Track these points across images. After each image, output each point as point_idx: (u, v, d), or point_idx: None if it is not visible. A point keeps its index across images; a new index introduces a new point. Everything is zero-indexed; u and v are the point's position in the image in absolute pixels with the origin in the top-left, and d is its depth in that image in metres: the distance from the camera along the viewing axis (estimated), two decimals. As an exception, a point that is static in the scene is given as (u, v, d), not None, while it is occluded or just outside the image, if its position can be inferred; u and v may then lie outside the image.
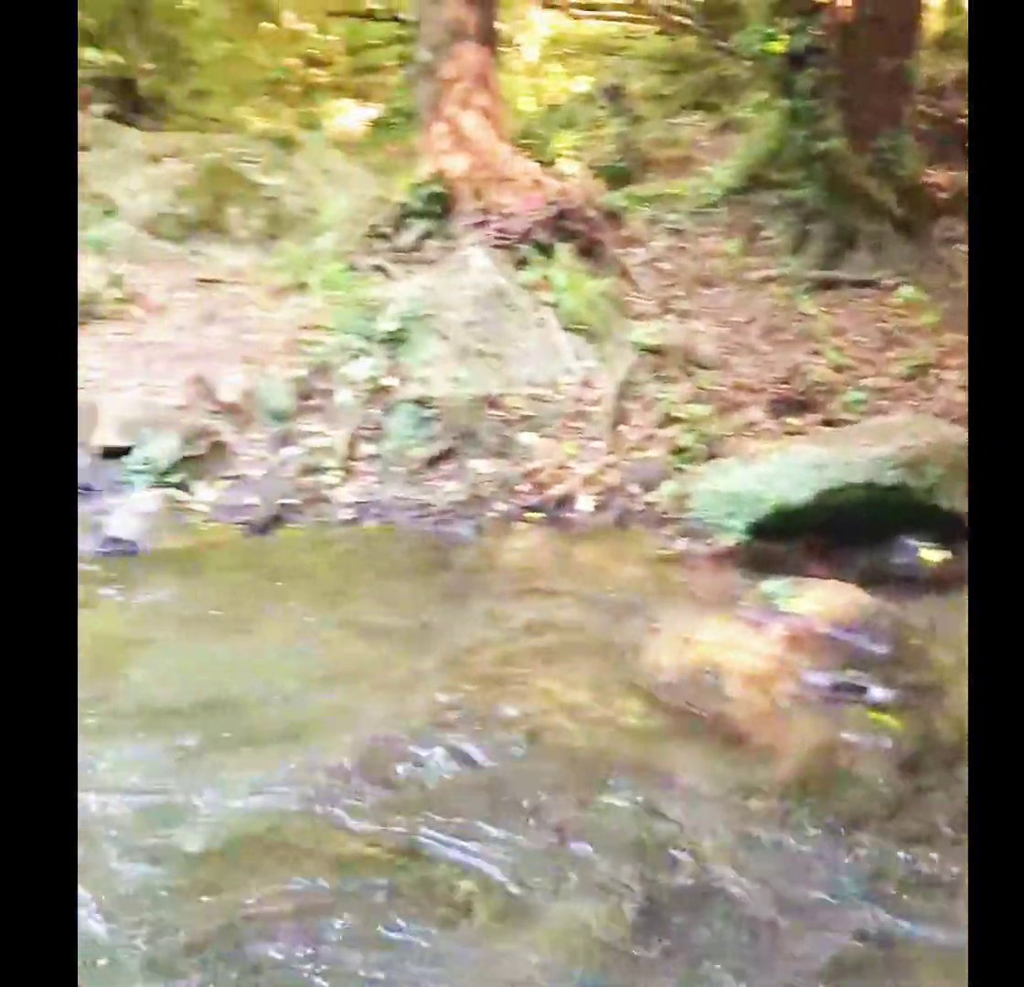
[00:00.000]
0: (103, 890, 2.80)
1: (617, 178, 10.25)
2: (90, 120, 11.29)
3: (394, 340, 7.11)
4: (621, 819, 3.15)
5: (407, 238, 8.25)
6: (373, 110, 16.15)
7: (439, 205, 8.23)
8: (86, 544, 5.35)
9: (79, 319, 7.70)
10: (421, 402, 6.67)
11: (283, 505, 5.95)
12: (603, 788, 3.29)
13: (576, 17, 16.40)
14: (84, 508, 5.91)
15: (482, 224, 7.91)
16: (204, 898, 2.80)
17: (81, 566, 5.12)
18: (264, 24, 15.63)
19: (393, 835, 3.05)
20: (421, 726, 3.64)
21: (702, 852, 2.98)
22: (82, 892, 2.69)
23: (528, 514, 5.99)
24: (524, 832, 3.07)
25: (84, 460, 6.29)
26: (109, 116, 11.71)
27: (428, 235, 8.22)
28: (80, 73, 12.25)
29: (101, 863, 2.90)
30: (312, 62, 16.68)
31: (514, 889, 2.83)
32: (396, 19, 15.51)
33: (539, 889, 2.83)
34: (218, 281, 8.93)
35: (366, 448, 6.52)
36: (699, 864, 2.93)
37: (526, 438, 6.56)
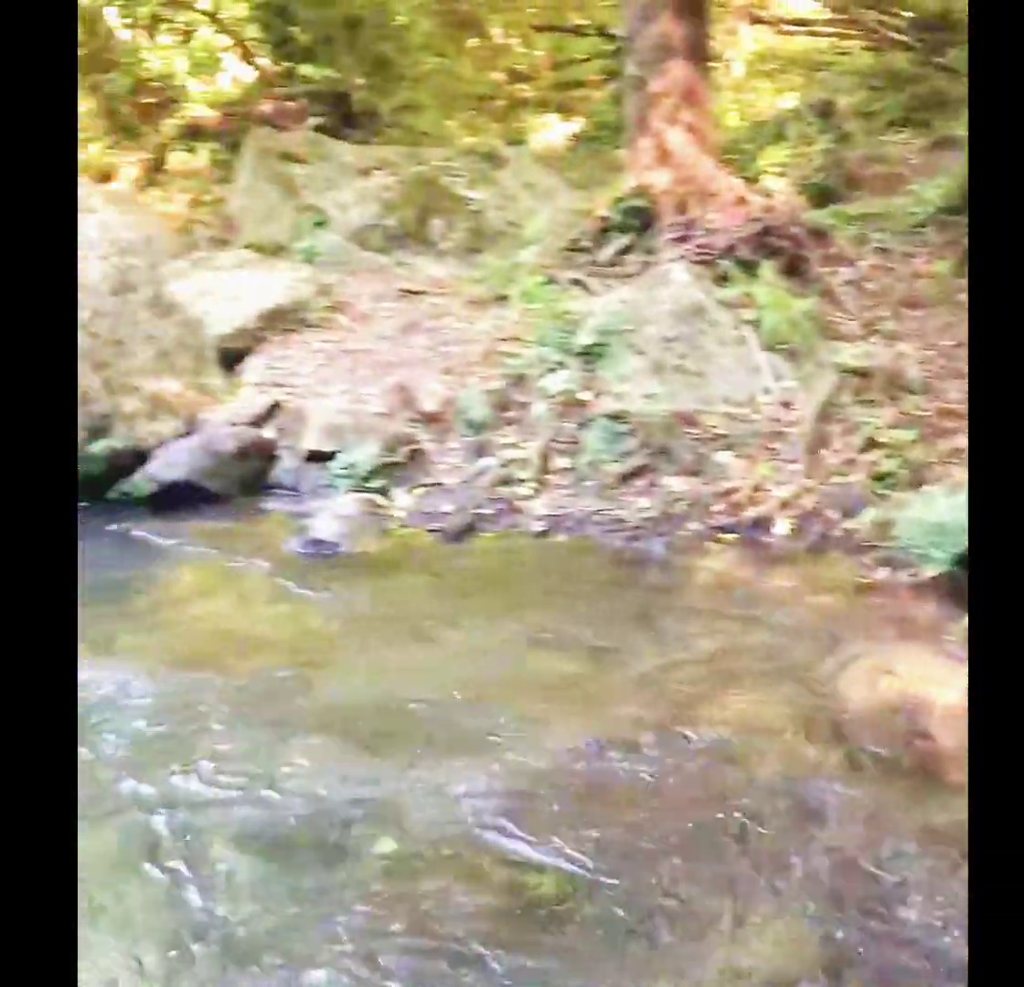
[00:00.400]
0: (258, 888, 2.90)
1: (823, 195, 10.07)
2: (305, 134, 11.75)
3: (591, 354, 7.11)
4: (803, 853, 3.06)
5: (607, 252, 8.28)
6: (576, 124, 16.26)
7: (640, 219, 8.24)
8: (290, 545, 5.60)
9: (288, 326, 8.02)
10: (616, 417, 6.64)
11: (477, 514, 6.03)
12: (783, 820, 3.21)
13: (784, 32, 16.19)
14: (289, 509, 6.19)
15: (683, 239, 7.86)
16: (359, 905, 2.84)
17: (275, 567, 5.36)
18: (472, 39, 15.92)
19: (559, 854, 3.03)
20: (598, 743, 3.62)
21: (889, 894, 2.88)
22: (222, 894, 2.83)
23: (721, 534, 5.88)
24: (693, 859, 3.02)
25: (291, 462, 6.57)
26: (321, 129, 12.13)
27: (628, 249, 8.23)
28: (297, 88, 12.78)
29: (256, 864, 3.01)
30: (517, 77, 16.88)
31: (678, 920, 2.79)
32: (601, 34, 15.59)
33: (703, 922, 2.79)
34: (421, 292, 9.13)
35: (560, 461, 6.54)
36: (888, 909, 2.83)
37: (721, 457, 6.45)
